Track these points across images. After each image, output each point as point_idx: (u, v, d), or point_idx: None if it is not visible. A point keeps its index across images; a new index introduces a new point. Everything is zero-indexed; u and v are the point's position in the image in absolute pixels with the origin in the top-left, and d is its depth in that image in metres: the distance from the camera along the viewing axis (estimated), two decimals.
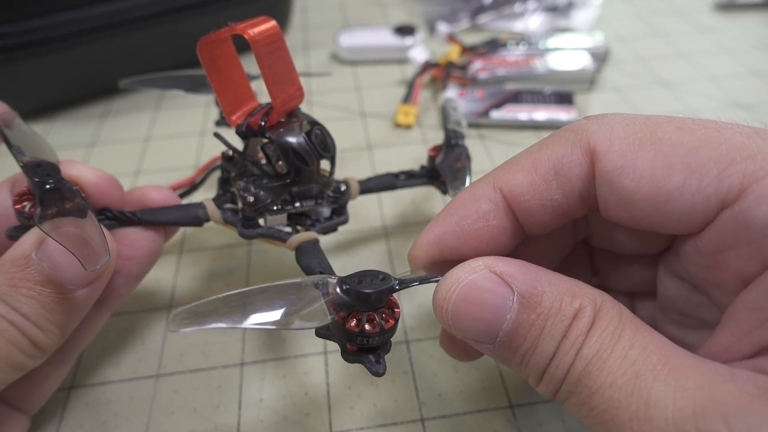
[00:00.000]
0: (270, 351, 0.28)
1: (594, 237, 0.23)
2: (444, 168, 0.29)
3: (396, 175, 0.30)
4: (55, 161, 0.22)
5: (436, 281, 0.19)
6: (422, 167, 0.31)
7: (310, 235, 0.26)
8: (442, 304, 0.18)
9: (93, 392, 0.27)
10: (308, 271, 0.24)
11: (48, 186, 0.21)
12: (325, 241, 0.32)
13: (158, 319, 0.30)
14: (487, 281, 0.17)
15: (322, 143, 0.25)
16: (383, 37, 0.52)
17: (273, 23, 0.23)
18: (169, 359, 0.28)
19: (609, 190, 0.18)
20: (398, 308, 0.19)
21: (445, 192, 0.31)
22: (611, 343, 0.16)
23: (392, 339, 0.19)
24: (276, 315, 0.17)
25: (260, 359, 0.28)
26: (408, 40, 0.51)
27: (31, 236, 0.20)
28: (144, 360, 0.28)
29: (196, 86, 0.32)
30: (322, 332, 0.19)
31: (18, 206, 0.22)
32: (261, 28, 0.22)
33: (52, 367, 0.24)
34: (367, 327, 0.18)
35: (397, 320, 0.18)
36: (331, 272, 0.23)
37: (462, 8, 0.59)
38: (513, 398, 0.26)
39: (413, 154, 0.41)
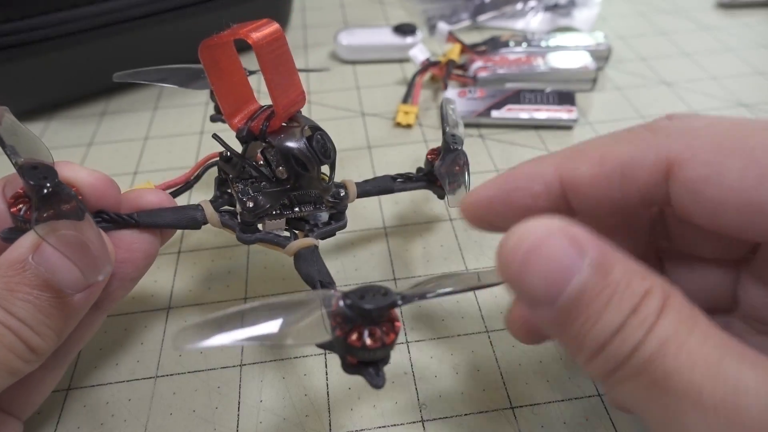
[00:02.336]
0: (269, 352, 0.28)
1: (671, 237, 0.22)
2: (441, 172, 0.29)
3: (393, 179, 0.30)
4: (50, 162, 0.22)
5: (439, 296, 0.19)
6: (419, 170, 0.31)
7: (309, 241, 0.26)
8: (512, 253, 0.16)
9: (91, 393, 0.27)
10: (307, 279, 0.24)
11: (46, 190, 0.20)
12: (324, 242, 0.31)
13: (157, 320, 0.30)
14: (560, 238, 0.16)
15: (323, 149, 0.25)
16: (383, 37, 0.52)
17: (276, 27, 0.22)
18: (167, 360, 0.28)
19: (692, 200, 0.17)
20: (398, 321, 0.19)
21: (442, 196, 0.31)
22: (687, 327, 0.15)
23: None
24: (280, 331, 0.17)
25: (259, 360, 0.28)
26: (408, 39, 0.51)
27: (28, 239, 0.20)
28: (142, 361, 0.28)
29: (190, 80, 0.32)
30: (323, 343, 0.20)
31: (14, 209, 0.21)
32: (264, 32, 0.22)
33: (47, 371, 0.23)
34: (368, 341, 0.18)
35: (397, 334, 0.19)
36: (331, 280, 0.24)
37: (462, 7, 0.58)
38: (514, 400, 0.26)
39: (414, 154, 0.41)
